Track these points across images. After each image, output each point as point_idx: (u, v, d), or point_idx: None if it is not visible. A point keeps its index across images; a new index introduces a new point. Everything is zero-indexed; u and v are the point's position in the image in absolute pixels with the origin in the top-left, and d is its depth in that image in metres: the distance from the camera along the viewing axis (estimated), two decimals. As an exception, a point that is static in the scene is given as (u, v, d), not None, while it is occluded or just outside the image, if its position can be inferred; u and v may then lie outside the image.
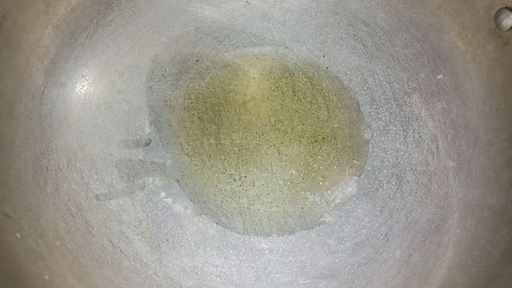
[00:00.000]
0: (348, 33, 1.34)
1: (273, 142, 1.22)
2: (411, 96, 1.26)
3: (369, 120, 1.25)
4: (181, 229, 1.13)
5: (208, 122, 1.22)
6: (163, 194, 1.16)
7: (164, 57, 1.31)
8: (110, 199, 1.14)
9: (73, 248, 1.06)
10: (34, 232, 1.03)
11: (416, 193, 1.16)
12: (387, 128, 1.24)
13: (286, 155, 1.21)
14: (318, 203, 1.17)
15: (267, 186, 1.19)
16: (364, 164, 1.21)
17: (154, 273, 1.08)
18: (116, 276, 1.05)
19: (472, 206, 1.10)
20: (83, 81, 1.25)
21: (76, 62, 1.25)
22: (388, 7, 1.29)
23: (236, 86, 1.25)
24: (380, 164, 1.21)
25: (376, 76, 1.30)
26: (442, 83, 1.24)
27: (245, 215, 1.15)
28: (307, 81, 1.27)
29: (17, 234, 0.99)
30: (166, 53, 1.30)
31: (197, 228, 1.13)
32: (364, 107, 1.27)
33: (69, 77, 1.23)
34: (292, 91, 1.25)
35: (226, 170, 1.19)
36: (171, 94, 1.25)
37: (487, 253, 1.00)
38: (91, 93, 1.24)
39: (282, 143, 1.22)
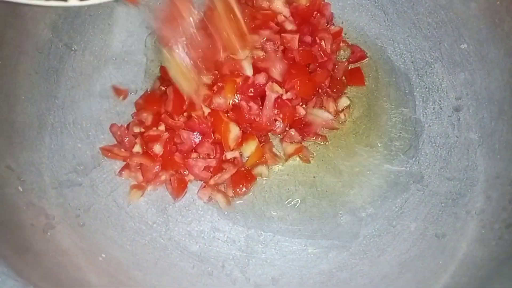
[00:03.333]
0: (368, 0, 1.28)
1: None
2: (432, 66, 1.20)
3: (388, 90, 1.20)
4: (188, 193, 1.09)
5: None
6: (170, 157, 1.12)
7: (176, 18, 1.26)
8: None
9: (77, 207, 1.03)
10: (37, 188, 1.00)
11: (434, 165, 1.11)
12: (406, 98, 1.19)
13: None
14: (331, 172, 1.13)
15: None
16: (381, 134, 1.16)
17: (159, 236, 1.04)
18: (120, 236, 1.02)
19: (493, 179, 1.05)
20: (92, 39, 1.20)
21: (85, 19, 1.20)
22: (411, -29, 1.23)
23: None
24: (398, 136, 1.16)
25: (397, 45, 1.24)
26: (466, 52, 1.18)
27: (255, 182, 1.11)
28: (323, 48, 1.21)
29: (19, 187, 0.96)
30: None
31: (204, 192, 1.09)
32: (382, 76, 1.21)
33: (77, 33, 1.19)
34: (308, 57, 1.20)
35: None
36: (182, 56, 1.20)
37: (509, 226, 0.96)
38: (99, 52, 1.20)
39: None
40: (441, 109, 1.17)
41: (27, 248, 0.87)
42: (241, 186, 1.09)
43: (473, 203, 1.04)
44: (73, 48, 1.17)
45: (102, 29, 1.22)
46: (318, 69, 1.15)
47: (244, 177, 1.10)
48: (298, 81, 1.10)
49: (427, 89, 1.19)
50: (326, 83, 1.15)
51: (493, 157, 1.07)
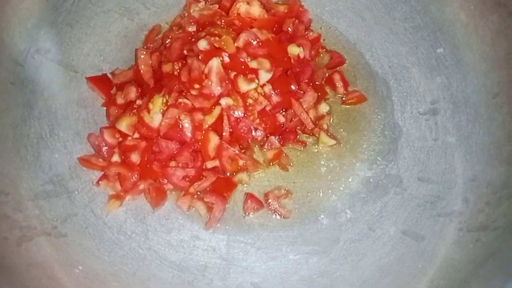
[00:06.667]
0: (346, 6, 1.29)
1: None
2: (409, 70, 1.21)
3: (366, 94, 1.20)
4: (168, 202, 1.09)
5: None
6: (150, 166, 1.11)
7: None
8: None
9: (53, 218, 1.01)
10: (12, 200, 0.98)
11: (412, 169, 1.12)
12: (384, 103, 1.20)
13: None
14: (311, 178, 1.13)
15: (258, 161, 1.14)
16: (360, 139, 1.17)
17: (138, 246, 1.03)
18: (98, 247, 1.01)
19: (470, 182, 1.06)
20: (69, 49, 1.19)
21: (62, 28, 1.20)
22: (387, -23, 1.24)
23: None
24: (376, 140, 1.16)
25: (374, 50, 1.25)
26: (442, 57, 1.20)
27: (235, 189, 1.11)
28: (302, 54, 1.21)
29: (-7, 200, 0.95)
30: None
31: (184, 201, 1.08)
32: (360, 81, 1.22)
33: (53, 43, 1.18)
34: (287, 64, 1.20)
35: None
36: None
37: (486, 229, 0.96)
38: (77, 61, 1.19)
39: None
40: (418, 113, 1.18)
41: (-2, 263, 0.85)
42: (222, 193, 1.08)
43: (451, 206, 1.05)
44: (50, 58, 1.16)
45: (80, 39, 1.21)
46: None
47: (224, 184, 1.10)
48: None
49: (404, 93, 1.20)
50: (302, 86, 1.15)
51: (470, 160, 1.08)
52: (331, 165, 1.14)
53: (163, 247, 1.04)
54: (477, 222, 0.99)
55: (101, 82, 1.16)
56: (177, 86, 1.06)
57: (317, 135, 1.15)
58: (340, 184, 1.12)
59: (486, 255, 0.91)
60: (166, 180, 1.07)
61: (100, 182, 1.07)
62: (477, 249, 0.94)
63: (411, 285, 0.96)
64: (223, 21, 1.15)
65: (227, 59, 1.06)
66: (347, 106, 1.20)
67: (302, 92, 1.15)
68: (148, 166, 1.06)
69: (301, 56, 1.13)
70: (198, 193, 1.08)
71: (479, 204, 1.01)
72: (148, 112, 1.05)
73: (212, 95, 1.05)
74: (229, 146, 1.06)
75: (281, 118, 1.14)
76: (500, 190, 1.00)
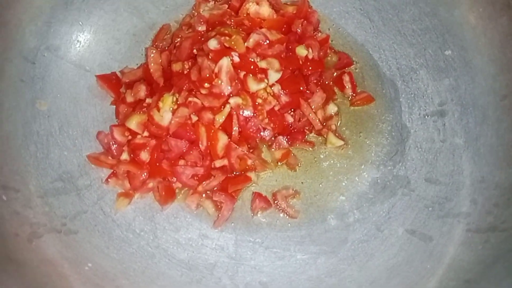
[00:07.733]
0: (354, 7, 1.30)
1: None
2: (417, 72, 1.22)
3: (374, 96, 1.21)
4: (176, 201, 1.09)
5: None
6: (158, 164, 1.11)
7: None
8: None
9: (62, 215, 1.02)
10: (22, 197, 0.99)
11: (420, 170, 1.12)
12: (392, 104, 1.20)
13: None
14: (319, 178, 1.13)
15: (266, 160, 1.14)
16: (368, 140, 1.17)
17: (147, 244, 1.03)
18: (107, 245, 1.01)
19: (478, 184, 1.06)
20: (78, 46, 1.20)
21: (72, 26, 1.20)
22: (396, -20, 1.25)
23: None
24: (384, 141, 1.17)
25: (382, 52, 1.25)
26: (450, 59, 1.20)
27: (244, 188, 1.11)
28: (310, 55, 1.21)
29: (3, 196, 0.95)
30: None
31: (192, 200, 1.09)
32: (368, 83, 1.22)
33: (63, 41, 1.19)
34: (295, 64, 1.20)
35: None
36: (169, 63, 1.19)
37: (494, 230, 0.97)
38: (86, 59, 1.19)
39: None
40: (426, 114, 1.18)
41: (10, 259, 0.85)
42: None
43: (459, 207, 1.05)
44: (59, 56, 1.16)
45: (89, 37, 1.22)
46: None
47: (235, 181, 1.09)
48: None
49: (412, 95, 1.21)
50: (310, 86, 1.15)
51: (478, 162, 1.08)
52: (339, 165, 1.14)
53: (171, 246, 1.04)
54: (486, 223, 0.99)
55: (110, 80, 1.16)
56: (187, 85, 1.07)
57: (325, 136, 1.15)
58: (348, 185, 1.12)
59: (496, 257, 0.92)
60: (175, 179, 1.07)
61: (109, 180, 1.08)
62: (486, 250, 0.95)
63: (419, 285, 0.97)
64: (232, 21, 1.15)
65: (237, 59, 1.07)
66: (355, 107, 1.20)
67: (310, 92, 1.15)
68: (157, 164, 1.06)
69: (309, 57, 1.13)
70: (208, 192, 1.08)
71: (487, 206, 1.02)
72: (158, 110, 1.05)
73: (222, 94, 1.05)
74: (237, 146, 1.06)
75: (290, 118, 1.14)
76: (509, 191, 1.00)
